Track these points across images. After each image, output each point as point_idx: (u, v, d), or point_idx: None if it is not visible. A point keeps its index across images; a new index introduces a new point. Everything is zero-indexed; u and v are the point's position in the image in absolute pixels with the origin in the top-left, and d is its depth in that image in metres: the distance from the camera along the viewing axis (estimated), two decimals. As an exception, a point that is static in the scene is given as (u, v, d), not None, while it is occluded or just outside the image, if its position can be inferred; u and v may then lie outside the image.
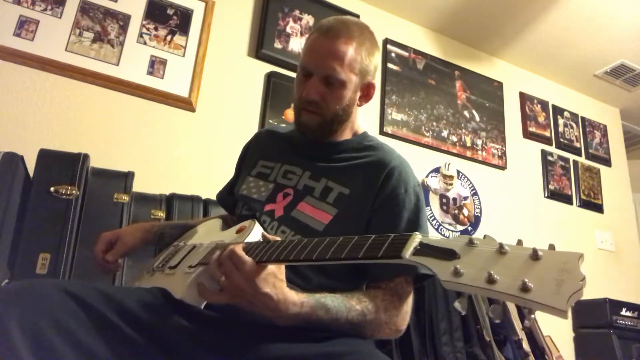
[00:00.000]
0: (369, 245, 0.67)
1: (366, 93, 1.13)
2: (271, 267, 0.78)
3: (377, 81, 2.71)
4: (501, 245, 0.55)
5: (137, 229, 1.23)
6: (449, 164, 2.79)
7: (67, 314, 0.72)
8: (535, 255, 0.52)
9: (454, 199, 2.76)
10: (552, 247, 0.54)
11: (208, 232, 1.15)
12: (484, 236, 0.59)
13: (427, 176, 2.73)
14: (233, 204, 1.24)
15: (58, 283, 0.85)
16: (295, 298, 0.80)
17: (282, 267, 0.80)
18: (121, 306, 0.78)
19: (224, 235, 1.05)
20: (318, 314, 0.83)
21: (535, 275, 0.50)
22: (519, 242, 0.56)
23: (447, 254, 0.58)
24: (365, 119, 2.61)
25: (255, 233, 0.95)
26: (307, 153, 1.14)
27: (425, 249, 0.61)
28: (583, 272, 0.49)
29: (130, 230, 1.21)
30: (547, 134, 3.29)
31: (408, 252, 0.61)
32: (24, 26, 1.94)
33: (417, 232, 0.64)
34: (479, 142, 2.97)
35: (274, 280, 0.77)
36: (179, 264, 1.00)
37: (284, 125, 2.33)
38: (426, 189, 2.70)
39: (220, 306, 0.86)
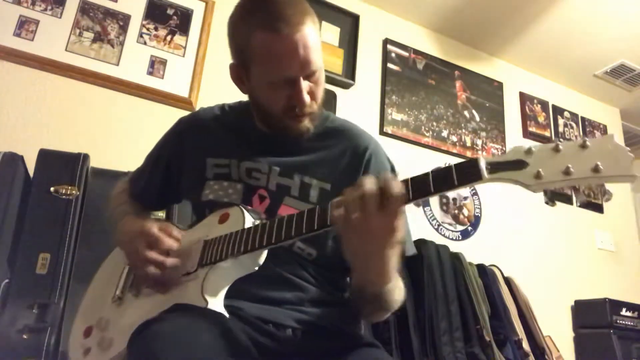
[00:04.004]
0: (436, 176, 0.70)
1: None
2: None
3: (377, 81, 2.74)
4: (557, 145, 0.62)
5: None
6: (449, 164, 2.78)
7: None
8: (584, 145, 0.60)
9: (454, 199, 2.76)
10: (583, 138, 0.63)
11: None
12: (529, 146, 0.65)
13: (427, 176, 2.72)
14: (162, 202, 1.23)
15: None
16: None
17: None
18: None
19: (203, 231, 0.91)
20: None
21: (594, 158, 0.59)
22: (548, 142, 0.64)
23: (517, 164, 0.64)
24: (365, 119, 2.61)
25: (247, 215, 0.86)
26: (262, 145, 1.00)
27: (496, 166, 0.65)
28: (622, 144, 0.59)
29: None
30: (547, 134, 3.29)
31: (485, 173, 0.65)
32: (24, 26, 1.94)
33: (479, 157, 0.67)
34: (479, 142, 2.97)
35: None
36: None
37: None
38: (426, 189, 2.69)
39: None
